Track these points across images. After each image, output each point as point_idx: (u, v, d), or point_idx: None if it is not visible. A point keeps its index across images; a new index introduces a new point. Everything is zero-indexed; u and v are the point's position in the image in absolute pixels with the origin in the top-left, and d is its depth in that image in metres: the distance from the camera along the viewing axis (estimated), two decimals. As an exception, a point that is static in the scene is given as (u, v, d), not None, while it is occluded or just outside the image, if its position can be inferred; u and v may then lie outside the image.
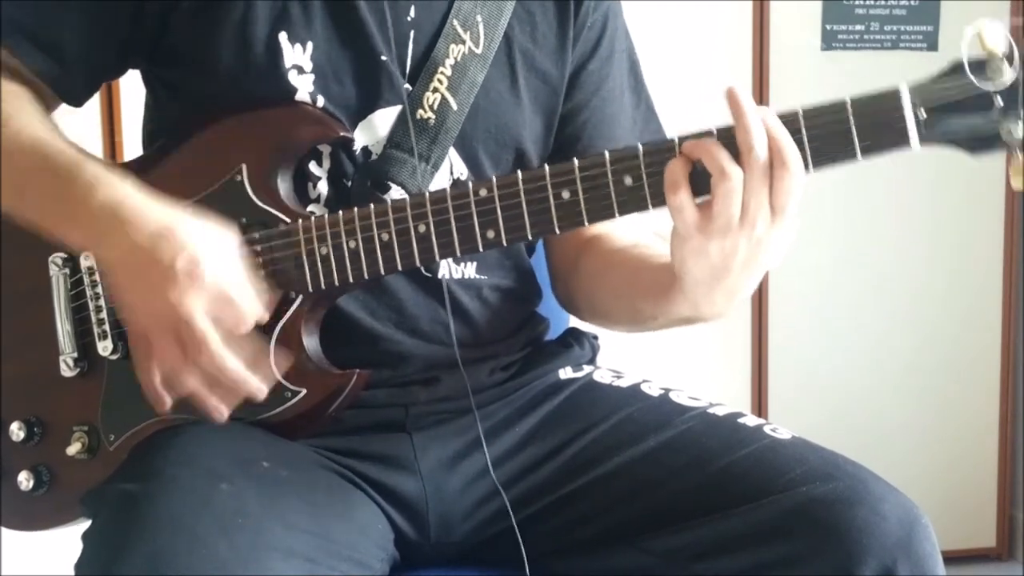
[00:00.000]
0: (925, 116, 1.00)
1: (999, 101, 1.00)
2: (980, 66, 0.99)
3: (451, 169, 1.19)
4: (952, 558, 2.63)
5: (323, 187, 1.15)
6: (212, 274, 1.02)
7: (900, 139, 1.00)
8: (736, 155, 1.01)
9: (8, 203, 1.12)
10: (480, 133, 1.19)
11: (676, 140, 1.04)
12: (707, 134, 1.02)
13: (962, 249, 2.82)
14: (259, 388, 1.07)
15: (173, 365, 1.05)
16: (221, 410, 1.07)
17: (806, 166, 1.02)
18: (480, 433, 1.18)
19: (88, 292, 1.16)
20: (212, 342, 1.03)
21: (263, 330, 1.11)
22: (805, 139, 1.01)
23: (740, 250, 1.03)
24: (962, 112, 1.00)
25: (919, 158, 2.72)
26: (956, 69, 1.00)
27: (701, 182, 1.02)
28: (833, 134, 1.01)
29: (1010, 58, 0.99)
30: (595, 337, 1.35)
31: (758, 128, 1.00)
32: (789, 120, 1.02)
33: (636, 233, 1.26)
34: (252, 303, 1.06)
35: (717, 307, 1.10)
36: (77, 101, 1.21)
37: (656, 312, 1.17)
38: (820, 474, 1.09)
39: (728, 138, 1.01)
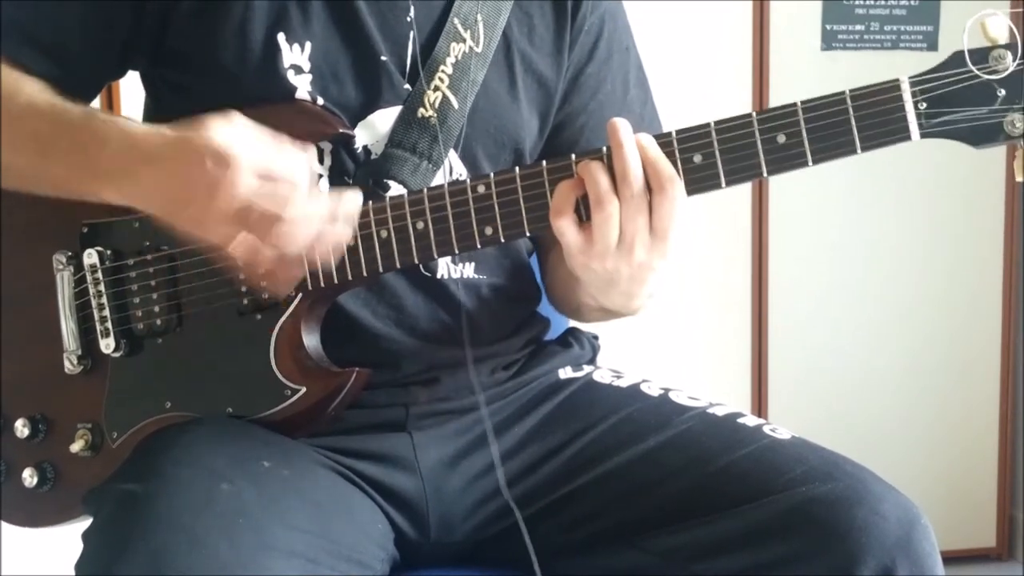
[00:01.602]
0: (925, 107, 1.00)
1: (1001, 91, 0.99)
2: (982, 55, 0.99)
3: (450, 170, 1.19)
4: (952, 558, 2.63)
5: (324, 185, 1.15)
6: (243, 157, 1.00)
7: (900, 131, 1.00)
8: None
9: (33, 167, 1.12)
10: (479, 133, 1.20)
11: (572, 158, 1.05)
12: (597, 156, 1.04)
13: (962, 249, 2.82)
14: (344, 231, 1.05)
15: (260, 253, 1.03)
16: (328, 260, 1.07)
17: (806, 161, 1.02)
18: (490, 431, 1.18)
19: (91, 289, 1.16)
20: (284, 207, 1.00)
21: (263, 329, 1.11)
22: (804, 132, 1.01)
23: (622, 271, 1.05)
24: (963, 103, 0.99)
25: (920, 159, 2.72)
26: (957, 59, 1.00)
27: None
28: (832, 127, 1.01)
29: (1012, 47, 0.98)
30: (595, 337, 1.35)
31: (633, 157, 1.02)
32: (787, 113, 1.02)
33: None
34: (293, 163, 1.02)
35: (617, 305, 1.13)
36: (79, 103, 1.21)
37: (576, 302, 1.22)
38: (820, 474, 1.09)
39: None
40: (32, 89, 1.12)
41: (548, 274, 1.31)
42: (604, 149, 1.04)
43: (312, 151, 1.07)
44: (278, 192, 1.01)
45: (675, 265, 1.07)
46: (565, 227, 1.04)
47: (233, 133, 1.02)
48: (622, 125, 1.03)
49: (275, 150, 1.03)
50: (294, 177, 1.02)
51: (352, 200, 1.07)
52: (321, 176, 1.15)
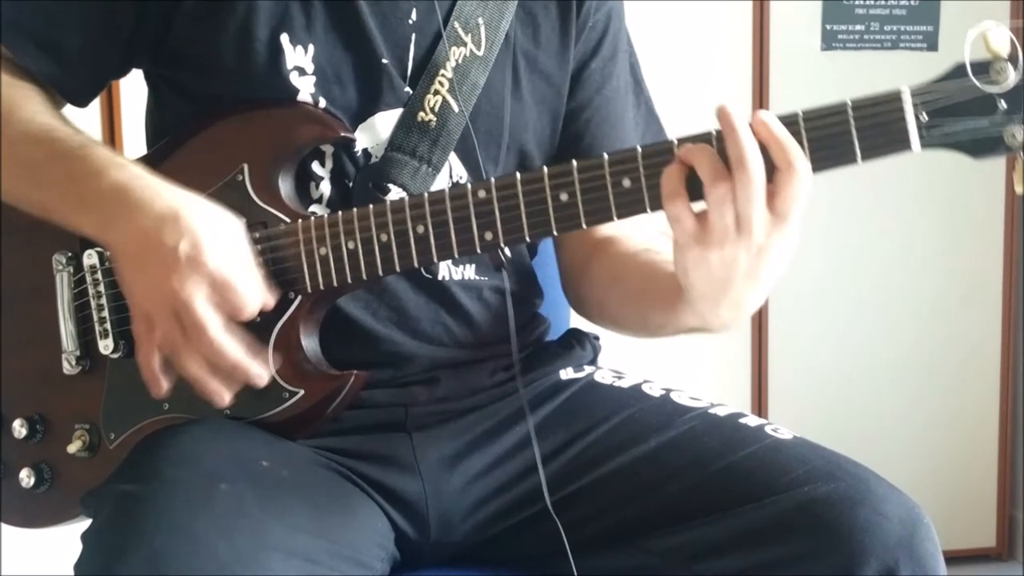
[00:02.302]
0: (927, 119, 0.99)
1: (1003, 104, 0.98)
2: (983, 68, 0.98)
3: (451, 172, 1.19)
4: (952, 558, 2.62)
5: (325, 187, 1.15)
6: (215, 259, 1.02)
7: (901, 142, 0.99)
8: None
9: (21, 193, 1.12)
10: (481, 136, 1.19)
11: (674, 143, 1.02)
12: (704, 138, 1.01)
13: (962, 249, 2.82)
14: (259, 375, 1.06)
15: (173, 348, 1.05)
16: (222, 394, 1.06)
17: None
18: (528, 414, 1.18)
19: (90, 290, 1.16)
20: (211, 328, 1.02)
21: (262, 329, 1.11)
22: (805, 142, 1.00)
23: (741, 260, 1.01)
24: (964, 115, 0.99)
25: (919, 157, 2.72)
26: (958, 71, 0.99)
27: (698, 188, 1.00)
28: (833, 137, 1.00)
29: (1014, 60, 0.97)
30: (596, 338, 1.35)
31: (748, 138, 0.98)
32: (788, 123, 1.01)
33: (646, 237, 1.24)
34: (255, 291, 1.05)
35: (723, 319, 1.08)
36: (81, 102, 1.21)
37: (664, 321, 1.16)
38: (822, 474, 1.09)
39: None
40: (28, 112, 1.12)
41: (598, 288, 1.27)
42: (713, 131, 1.00)
43: (275, 296, 1.08)
44: (225, 303, 1.03)
45: (793, 252, 1.03)
46: (682, 212, 1.00)
47: (222, 234, 1.03)
48: (732, 109, 0.99)
49: (245, 274, 1.04)
50: (245, 302, 1.04)
51: (258, 375, 1.07)
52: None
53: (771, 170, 0.99)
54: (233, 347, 1.04)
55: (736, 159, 0.98)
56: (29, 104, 1.13)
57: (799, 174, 0.99)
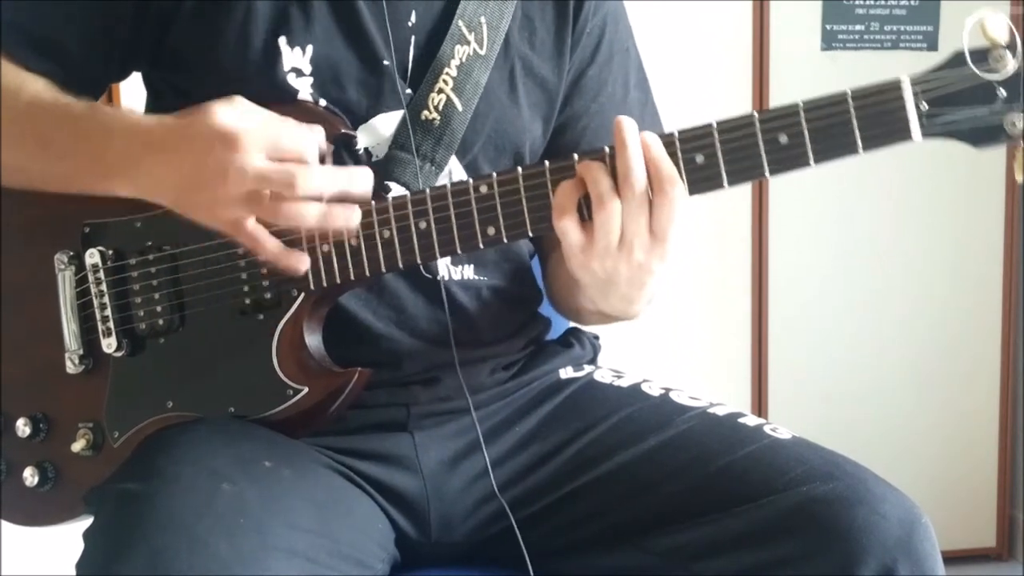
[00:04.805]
0: (927, 107, 0.99)
1: (1002, 92, 0.98)
2: (982, 56, 0.98)
3: (450, 175, 1.19)
4: (952, 558, 2.63)
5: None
6: (251, 135, 1.01)
7: (901, 131, 1.00)
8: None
9: (40, 167, 1.13)
10: (479, 136, 1.19)
11: (574, 158, 1.05)
12: (598, 154, 1.04)
13: (962, 249, 2.82)
14: (355, 210, 1.06)
15: (268, 241, 1.05)
16: (350, 221, 1.06)
17: (807, 161, 1.02)
18: (479, 435, 1.18)
19: (92, 289, 1.16)
20: (292, 183, 1.01)
21: (265, 329, 1.12)
22: (806, 132, 1.01)
23: (621, 271, 1.05)
24: (964, 103, 0.99)
25: (919, 159, 2.73)
26: (957, 59, 0.99)
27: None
28: (834, 127, 1.01)
29: (1013, 47, 0.98)
30: (596, 337, 1.35)
31: (636, 157, 1.02)
32: (788, 114, 1.02)
33: None
34: (301, 139, 1.04)
35: (615, 308, 1.13)
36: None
37: (576, 305, 1.22)
38: (820, 474, 1.09)
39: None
40: (35, 87, 1.13)
41: (549, 277, 1.31)
42: (607, 149, 1.04)
43: (319, 130, 1.07)
44: (288, 169, 1.02)
45: (674, 270, 1.07)
46: (568, 227, 1.04)
47: (237, 114, 1.02)
48: (627, 124, 1.03)
49: (281, 127, 1.03)
50: (303, 152, 1.03)
51: (363, 177, 1.07)
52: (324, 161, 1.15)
53: (651, 192, 1.02)
54: (326, 172, 1.04)
55: (622, 174, 1.02)
56: (35, 81, 1.14)
57: (670, 198, 1.02)
